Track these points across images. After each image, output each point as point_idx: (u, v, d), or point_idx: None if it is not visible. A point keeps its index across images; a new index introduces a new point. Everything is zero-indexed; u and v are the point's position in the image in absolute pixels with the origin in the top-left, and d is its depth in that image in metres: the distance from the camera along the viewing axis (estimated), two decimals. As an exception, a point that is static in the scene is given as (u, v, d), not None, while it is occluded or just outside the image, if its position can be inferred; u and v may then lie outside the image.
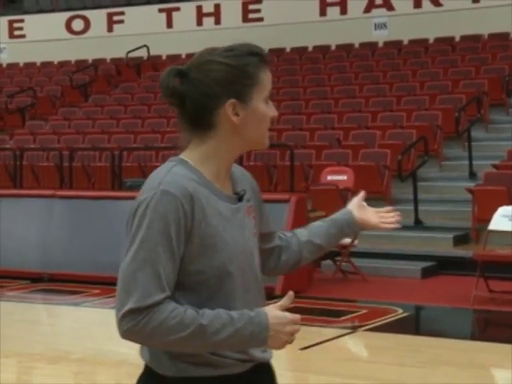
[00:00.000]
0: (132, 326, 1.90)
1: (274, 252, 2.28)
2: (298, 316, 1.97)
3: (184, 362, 1.97)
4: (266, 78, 2.06)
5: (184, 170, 2.00)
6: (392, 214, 2.46)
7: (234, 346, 1.95)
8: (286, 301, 1.97)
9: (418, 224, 10.94)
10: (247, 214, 2.09)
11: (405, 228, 11.00)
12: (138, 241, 1.92)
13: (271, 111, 2.08)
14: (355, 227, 2.38)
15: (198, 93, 2.00)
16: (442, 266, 9.92)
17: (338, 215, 2.38)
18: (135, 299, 1.90)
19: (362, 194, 2.44)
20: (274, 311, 1.95)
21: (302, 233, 2.33)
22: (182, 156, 2.06)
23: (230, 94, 2.00)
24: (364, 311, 8.08)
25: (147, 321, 1.89)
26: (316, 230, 2.34)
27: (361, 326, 7.47)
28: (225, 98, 2.00)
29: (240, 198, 2.08)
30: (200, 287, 1.98)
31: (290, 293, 1.98)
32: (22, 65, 20.90)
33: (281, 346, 1.97)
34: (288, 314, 1.95)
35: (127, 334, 1.92)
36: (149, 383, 2.04)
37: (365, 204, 2.42)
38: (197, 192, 1.97)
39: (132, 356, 6.60)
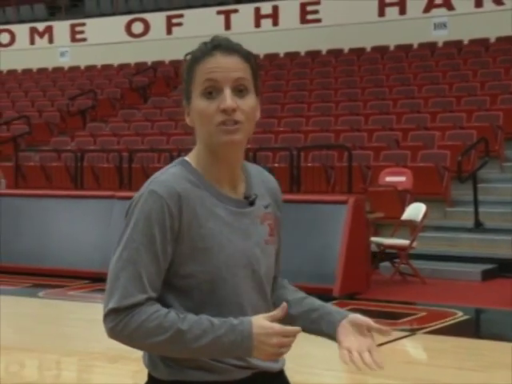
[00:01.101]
0: (113, 326, 1.87)
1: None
2: (290, 329, 1.83)
3: (178, 365, 1.91)
4: (200, 71, 1.91)
5: (181, 171, 1.93)
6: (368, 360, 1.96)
7: (216, 353, 1.86)
8: (277, 312, 1.85)
9: (479, 226, 10.79)
10: (260, 219, 1.99)
11: (465, 230, 10.88)
12: (123, 240, 1.90)
13: (220, 103, 1.88)
14: (331, 335, 2.01)
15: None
16: (502, 268, 9.78)
17: (334, 309, 2.06)
18: (116, 299, 1.86)
19: (369, 323, 1.99)
20: (260, 321, 1.83)
21: (296, 295, 2.11)
22: (187, 156, 2.00)
23: (183, 96, 1.97)
24: (423, 314, 8.00)
25: (126, 322, 1.85)
26: (303, 302, 2.08)
27: (420, 329, 7.39)
28: (183, 99, 1.98)
29: (251, 203, 1.98)
30: (192, 291, 1.90)
31: (284, 304, 1.86)
32: (83, 68, 21.22)
33: (267, 358, 1.86)
34: (276, 326, 1.82)
35: (110, 333, 1.89)
36: None
37: (365, 332, 1.98)
38: (189, 193, 1.90)
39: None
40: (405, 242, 9.51)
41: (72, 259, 10.22)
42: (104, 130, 16.63)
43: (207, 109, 1.89)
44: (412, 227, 9.92)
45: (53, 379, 6.13)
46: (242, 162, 2.03)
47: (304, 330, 2.00)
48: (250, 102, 1.93)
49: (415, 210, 9.81)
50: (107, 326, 1.89)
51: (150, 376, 2.01)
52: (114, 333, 1.88)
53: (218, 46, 1.93)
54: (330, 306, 2.07)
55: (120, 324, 1.86)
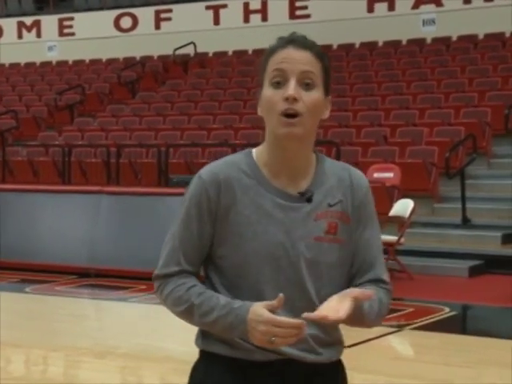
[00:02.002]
0: (155, 289, 2.09)
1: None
2: (282, 320, 1.86)
3: (207, 336, 2.05)
4: (271, 61, 2.00)
5: (237, 159, 2.05)
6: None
7: (220, 331, 1.98)
8: (274, 302, 1.90)
9: (466, 222, 10.82)
10: (317, 216, 2.02)
11: (452, 226, 10.91)
12: (176, 217, 2.08)
13: (284, 92, 1.97)
14: None
15: None
16: (489, 264, 9.81)
17: None
18: (158, 267, 2.08)
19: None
20: (257, 308, 1.91)
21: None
22: (256, 148, 2.09)
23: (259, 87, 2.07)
24: (410, 310, 8.02)
25: (162, 289, 2.06)
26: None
27: (407, 325, 7.41)
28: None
29: (308, 199, 2.01)
30: (227, 272, 2.02)
31: (280, 295, 1.89)
32: (71, 62, 21.13)
33: (259, 343, 1.91)
34: (266, 314, 1.88)
35: (156, 295, 2.10)
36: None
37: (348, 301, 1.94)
38: (232, 180, 2.00)
39: (178, 352, 6.65)
40: (392, 238, 9.52)
41: (59, 254, 10.19)
42: (92, 124, 16.58)
43: (273, 97, 1.98)
44: (400, 223, 9.94)
45: (40, 375, 6.11)
46: (309, 156, 2.06)
47: None
48: (314, 96, 2.00)
49: (403, 206, 9.83)
50: (154, 288, 2.11)
51: None
52: (156, 295, 2.09)
53: (292, 40, 2.02)
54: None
55: (159, 289, 2.08)
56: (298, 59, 1.99)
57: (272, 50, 2.03)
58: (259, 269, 1.99)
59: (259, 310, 1.91)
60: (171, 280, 2.04)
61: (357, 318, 1.97)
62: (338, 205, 2.05)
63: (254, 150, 2.07)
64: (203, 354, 2.08)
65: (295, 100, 1.95)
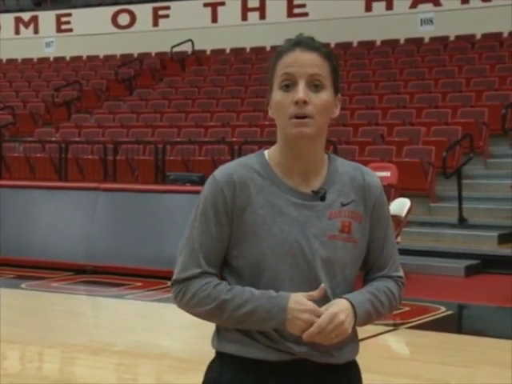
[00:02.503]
0: (174, 295, 2.09)
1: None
2: (323, 311, 1.94)
3: (221, 337, 2.08)
4: (280, 65, 2.03)
5: (250, 160, 2.07)
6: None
7: (255, 323, 1.99)
8: (316, 292, 1.97)
9: (463, 222, 10.83)
10: (331, 215, 2.04)
11: (449, 226, 10.92)
12: (190, 220, 2.09)
13: (292, 95, 2.00)
14: None
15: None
16: (486, 264, 9.81)
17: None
18: (176, 272, 2.08)
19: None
20: (297, 297, 1.96)
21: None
22: (268, 149, 2.12)
23: (268, 88, 2.09)
24: (406, 309, 8.02)
25: (184, 292, 2.05)
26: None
27: (403, 324, 7.41)
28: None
29: (322, 198, 2.04)
30: (243, 272, 2.04)
31: (322, 285, 1.98)
32: (68, 59, 21.11)
33: (298, 332, 1.95)
34: (310, 303, 1.95)
35: (174, 302, 2.10)
36: (213, 358, 2.15)
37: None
38: (247, 180, 2.03)
39: (173, 349, 6.64)
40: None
41: (56, 251, 10.18)
42: (89, 121, 16.56)
43: (283, 100, 2.01)
44: (396, 222, 9.93)
45: (35, 371, 6.10)
46: (321, 155, 2.10)
47: None
48: (323, 96, 2.03)
49: (400, 205, 9.83)
50: (172, 296, 2.10)
51: None
52: (176, 301, 2.09)
53: (299, 42, 2.05)
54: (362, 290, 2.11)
55: (179, 294, 2.06)
56: (306, 62, 2.01)
57: (280, 53, 2.05)
58: (276, 267, 2.02)
59: (301, 299, 1.96)
60: (194, 282, 2.04)
61: (366, 322, 2.08)
62: (351, 204, 2.08)
63: (266, 152, 2.10)
64: (218, 355, 2.11)
65: (305, 103, 1.99)
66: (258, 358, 2.02)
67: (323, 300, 2.01)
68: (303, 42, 2.04)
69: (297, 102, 1.99)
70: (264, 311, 1.97)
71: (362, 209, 2.09)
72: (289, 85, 2.01)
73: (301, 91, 1.99)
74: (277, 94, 2.03)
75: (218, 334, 2.09)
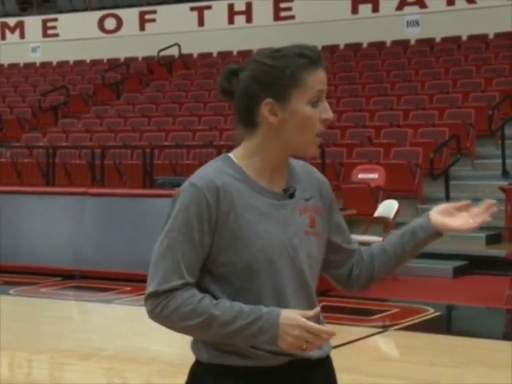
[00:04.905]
0: (152, 308, 2.01)
1: (343, 264, 2.23)
2: (314, 326, 1.94)
3: (215, 349, 2.03)
4: (312, 80, 2.03)
5: (222, 165, 2.05)
6: (483, 212, 2.18)
7: (244, 339, 1.97)
8: (309, 312, 1.97)
9: (450, 223, 10.85)
10: (300, 211, 2.09)
11: (437, 227, 10.94)
12: (165, 230, 2.02)
13: (322, 113, 2.05)
14: (430, 231, 2.23)
15: (241, 92, 2.06)
16: (474, 265, 9.84)
17: (415, 220, 2.29)
18: (155, 284, 2.00)
19: (462, 203, 2.23)
20: (289, 313, 1.96)
21: (378, 244, 2.27)
22: (231, 152, 2.11)
23: (267, 93, 2.03)
24: (395, 310, 8.04)
25: (164, 305, 1.99)
26: (390, 238, 2.27)
27: (392, 325, 7.43)
28: (263, 97, 2.03)
29: (291, 195, 2.09)
30: (231, 278, 2.02)
31: (317, 309, 2.00)
32: (55, 63, 21.06)
33: (289, 349, 1.95)
34: (301, 320, 1.94)
35: (150, 315, 2.03)
36: (194, 368, 2.11)
37: (457, 212, 2.22)
38: (227, 186, 2.01)
39: (163, 354, 6.64)
40: (377, 238, 9.53)
41: (44, 256, 10.15)
42: (76, 126, 16.53)
43: (314, 116, 2.04)
44: (384, 224, 9.97)
45: (24, 377, 6.09)
46: None
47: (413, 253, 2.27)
48: None
49: (388, 207, 9.85)
50: (147, 309, 2.03)
51: (196, 358, 2.12)
52: (153, 314, 2.02)
53: (321, 57, 2.08)
54: (408, 225, 2.27)
55: (158, 307, 1.99)
56: (326, 81, 2.08)
57: (306, 65, 2.04)
58: (267, 269, 2.02)
59: (292, 315, 1.95)
60: (176, 294, 1.98)
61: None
62: (312, 199, 2.14)
63: (231, 155, 2.09)
64: (211, 367, 2.05)
65: None
66: (258, 366, 2.02)
67: (309, 296, 2.09)
68: (323, 57, 2.08)
69: (326, 120, 2.04)
70: (255, 327, 1.95)
71: (320, 203, 2.16)
72: (318, 101, 2.04)
73: (330, 110, 2.06)
74: (306, 108, 2.03)
75: (208, 345, 2.04)
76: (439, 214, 2.23)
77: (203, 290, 2.02)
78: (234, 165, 2.06)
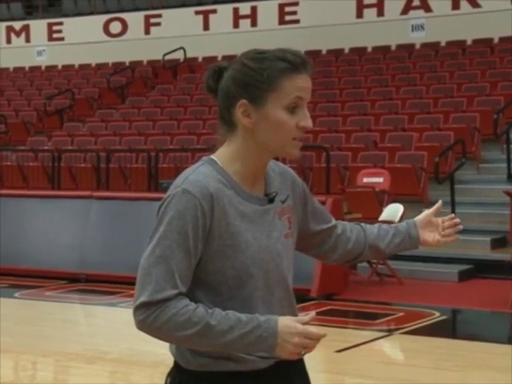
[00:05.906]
0: (143, 318, 1.95)
1: (325, 242, 2.26)
2: (313, 331, 1.93)
3: (204, 356, 1.99)
4: (291, 86, 1.97)
5: (210, 170, 2.00)
6: (454, 224, 2.37)
7: (241, 348, 1.95)
8: (306, 317, 1.95)
9: (455, 227, 10.83)
10: (279, 215, 2.08)
11: (442, 231, 10.93)
12: (156, 237, 1.97)
13: (300, 120, 1.99)
14: (415, 246, 2.33)
15: (222, 91, 2.03)
16: (479, 269, 9.83)
17: (403, 226, 2.33)
18: (148, 293, 1.95)
19: (437, 205, 2.37)
20: (286, 320, 1.94)
21: (372, 231, 2.33)
22: (214, 155, 2.05)
23: (243, 95, 1.99)
24: (400, 314, 8.04)
25: (157, 315, 1.93)
26: (383, 234, 2.33)
27: (397, 329, 7.42)
28: (238, 98, 1.99)
29: (271, 200, 2.07)
30: (220, 286, 1.99)
31: (312, 313, 1.98)
32: (60, 67, 21.10)
33: (288, 356, 1.95)
34: (300, 326, 1.93)
35: (140, 325, 1.97)
36: (176, 376, 2.07)
37: (433, 219, 2.34)
38: (219, 192, 1.98)
39: (168, 357, 6.59)
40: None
41: (49, 260, 10.17)
42: (81, 129, 16.56)
43: (288, 122, 1.99)
44: (389, 228, 9.95)
45: (29, 380, 6.10)
46: None
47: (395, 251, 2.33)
48: None
49: (393, 211, 9.85)
50: (137, 319, 1.97)
51: (176, 364, 2.08)
52: (144, 325, 1.95)
53: (304, 63, 2.01)
54: (396, 227, 2.33)
55: (150, 317, 1.94)
56: (309, 88, 2.02)
57: (285, 70, 1.99)
58: (256, 276, 2.01)
59: (290, 322, 1.93)
60: (169, 304, 1.93)
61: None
62: (287, 200, 2.13)
63: (215, 159, 2.04)
64: (200, 375, 2.01)
65: None
66: (249, 370, 2.01)
67: (289, 299, 2.10)
68: (307, 63, 2.01)
69: (304, 128, 2.00)
70: (253, 337, 1.92)
71: (294, 201, 2.16)
72: (295, 107, 1.99)
73: (309, 119, 2.01)
74: (282, 115, 1.98)
75: (196, 352, 2.00)
76: (422, 229, 2.33)
77: (190, 298, 1.97)
78: (221, 170, 2.01)
